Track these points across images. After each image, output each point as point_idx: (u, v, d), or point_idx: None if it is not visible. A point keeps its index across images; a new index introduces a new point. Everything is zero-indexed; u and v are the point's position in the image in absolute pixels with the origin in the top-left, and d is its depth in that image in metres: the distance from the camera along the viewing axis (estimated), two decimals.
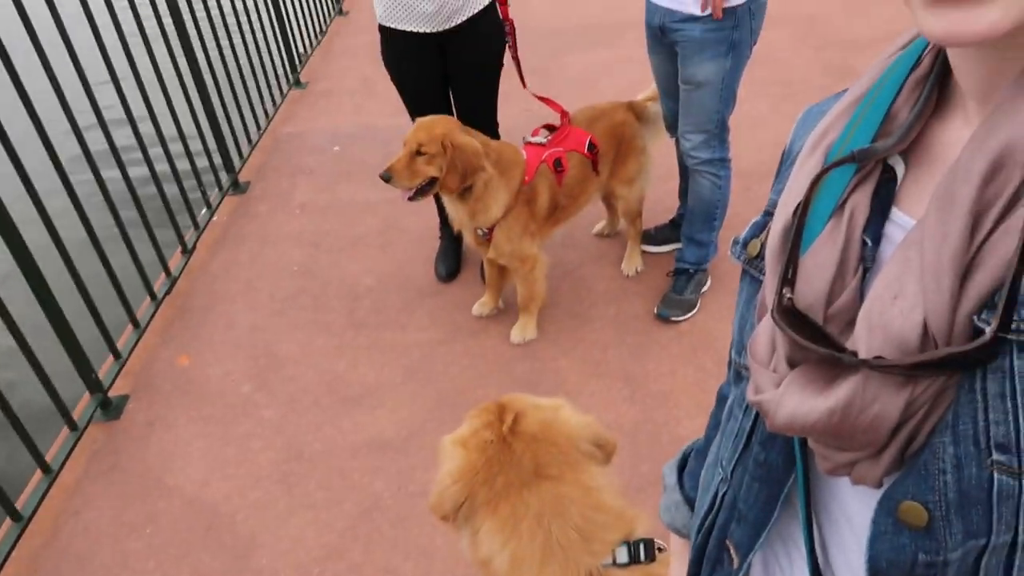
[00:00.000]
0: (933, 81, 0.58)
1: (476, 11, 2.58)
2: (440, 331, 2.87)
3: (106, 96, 2.79)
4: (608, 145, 2.71)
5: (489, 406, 1.37)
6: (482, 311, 2.90)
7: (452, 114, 2.81)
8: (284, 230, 3.56)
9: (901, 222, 0.58)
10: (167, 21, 3.38)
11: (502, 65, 2.77)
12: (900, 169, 0.59)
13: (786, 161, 0.73)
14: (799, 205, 0.60)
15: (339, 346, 2.85)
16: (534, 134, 2.68)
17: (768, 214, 0.69)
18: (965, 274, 0.49)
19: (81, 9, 2.71)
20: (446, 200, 2.59)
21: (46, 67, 2.39)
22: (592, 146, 2.64)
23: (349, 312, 3.02)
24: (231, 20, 4.13)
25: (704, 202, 2.69)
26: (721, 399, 0.88)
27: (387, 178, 2.45)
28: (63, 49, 2.51)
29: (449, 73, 2.74)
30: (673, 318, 2.77)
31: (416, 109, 2.77)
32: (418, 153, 2.42)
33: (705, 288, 2.86)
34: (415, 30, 2.59)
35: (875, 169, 0.59)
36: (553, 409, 1.37)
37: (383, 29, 2.67)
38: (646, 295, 2.93)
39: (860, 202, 0.58)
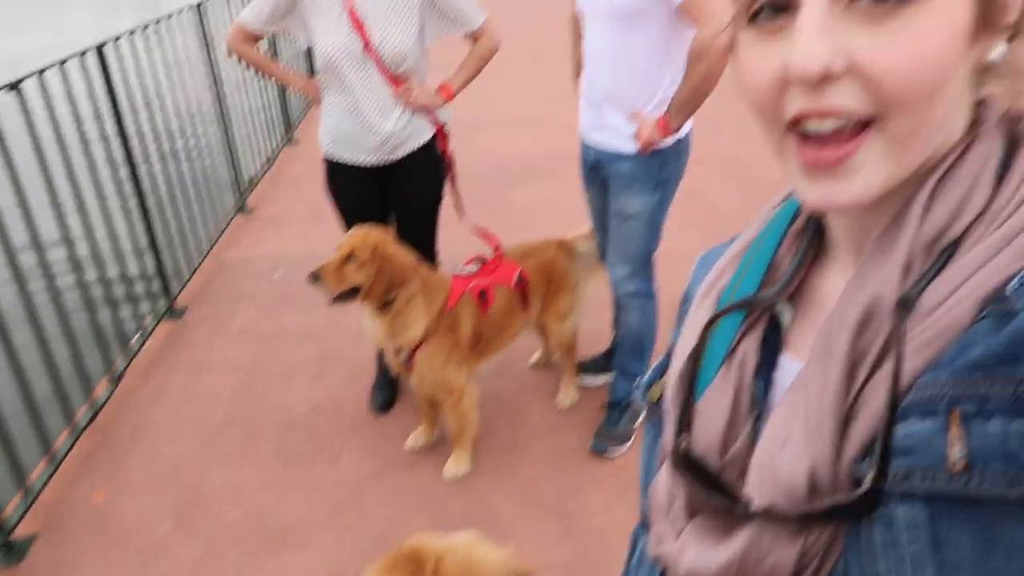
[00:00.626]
0: (810, 233, 0.63)
1: (418, 146, 2.69)
2: (373, 464, 2.80)
3: (44, 211, 2.77)
4: (538, 280, 2.76)
5: (401, 555, 1.32)
6: (416, 443, 2.85)
7: None
8: (219, 357, 3.50)
9: (790, 367, 0.60)
10: (115, 142, 3.43)
11: (442, 197, 2.86)
12: (787, 316, 0.61)
13: (685, 303, 0.76)
14: (693, 351, 0.62)
15: (267, 480, 2.75)
16: (467, 264, 2.73)
17: (669, 356, 0.70)
18: (846, 422, 0.50)
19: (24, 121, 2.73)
20: (367, 314, 2.59)
21: None
22: (521, 280, 2.68)
23: (280, 443, 2.93)
24: (180, 146, 4.22)
25: (633, 334, 2.75)
26: (633, 544, 0.87)
27: (315, 278, 2.46)
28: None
29: (391, 204, 2.82)
30: (608, 451, 2.77)
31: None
32: (350, 259, 2.45)
33: (640, 420, 2.88)
34: (358, 162, 2.68)
35: (763, 315, 0.62)
36: (468, 548, 1.33)
37: (327, 160, 2.76)
38: (581, 427, 2.93)
39: (750, 348, 0.61)
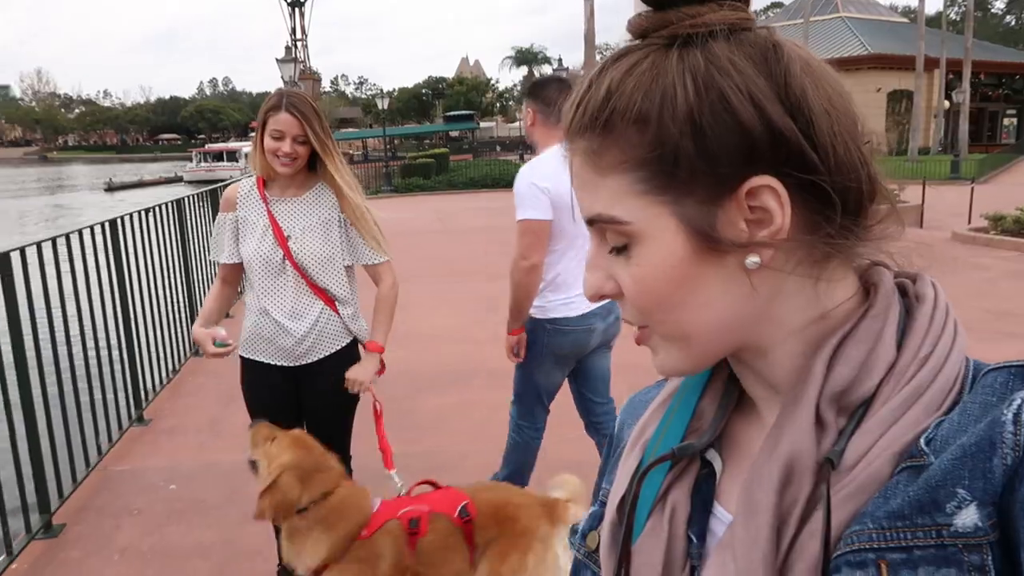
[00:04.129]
0: (734, 383, 0.65)
1: (332, 351, 2.69)
2: None
3: None
4: (490, 520, 2.27)
5: None
6: None
7: None
8: None
9: (723, 517, 0.60)
10: (5, 348, 3.29)
11: (356, 401, 2.83)
12: (718, 464, 0.62)
13: (613, 447, 0.76)
14: (623, 500, 0.63)
15: None
16: (416, 485, 2.42)
17: (603, 504, 0.70)
18: None
19: None
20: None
21: None
22: (466, 513, 2.26)
23: None
24: (78, 355, 4.06)
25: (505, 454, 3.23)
26: None
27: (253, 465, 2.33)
28: None
29: (303, 406, 2.77)
30: None
31: None
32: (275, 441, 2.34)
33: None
34: (272, 363, 2.66)
35: (692, 464, 0.63)
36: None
37: (243, 359, 2.73)
38: None
39: (680, 498, 0.61)
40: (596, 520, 0.70)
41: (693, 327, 0.57)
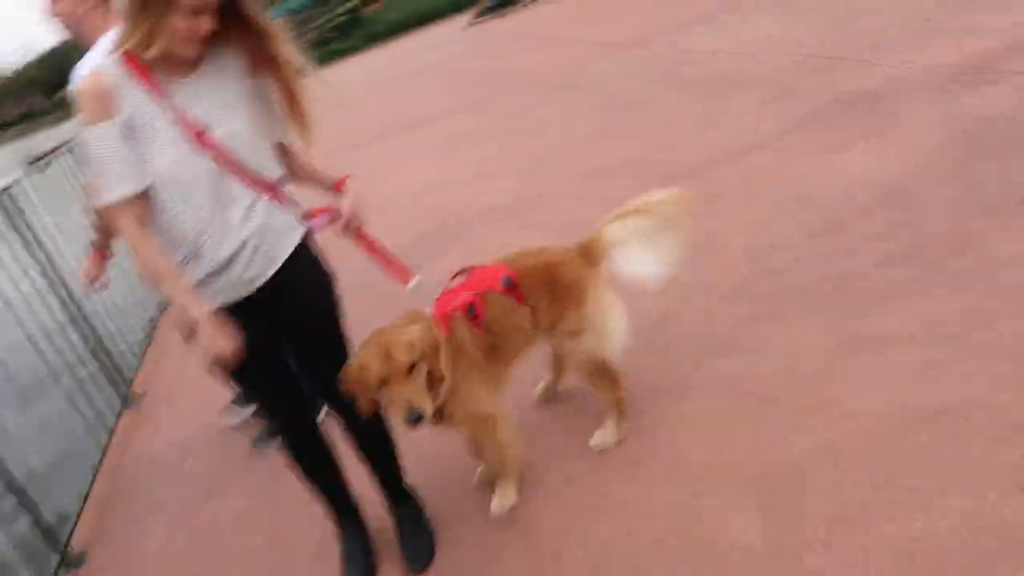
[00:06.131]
0: None
1: (287, 254, 1.96)
2: None
3: None
4: (537, 286, 2.25)
5: None
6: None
7: (290, 376, 2.11)
8: None
9: None
10: None
11: (337, 296, 2.11)
12: None
13: None
14: None
15: None
16: (452, 277, 2.29)
17: None
18: None
19: None
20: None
21: None
22: (508, 280, 2.22)
23: None
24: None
25: None
26: None
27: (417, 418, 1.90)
28: None
29: (283, 329, 2.03)
30: None
31: (250, 381, 2.08)
32: (413, 371, 1.93)
33: None
34: (229, 302, 1.90)
35: None
36: None
37: None
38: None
39: None
40: None
41: None
